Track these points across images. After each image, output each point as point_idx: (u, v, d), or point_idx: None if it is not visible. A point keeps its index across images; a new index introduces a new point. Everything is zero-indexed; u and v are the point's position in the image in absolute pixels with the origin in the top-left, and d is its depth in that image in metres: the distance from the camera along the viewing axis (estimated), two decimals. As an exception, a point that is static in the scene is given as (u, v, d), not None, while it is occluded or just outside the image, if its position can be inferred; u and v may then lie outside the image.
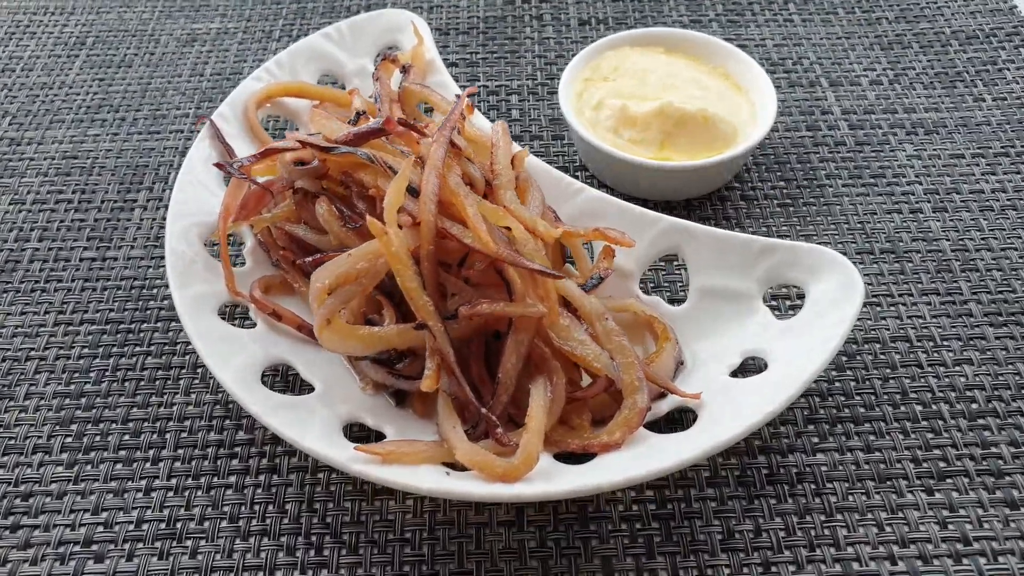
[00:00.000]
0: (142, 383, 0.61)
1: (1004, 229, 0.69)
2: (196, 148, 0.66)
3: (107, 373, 0.62)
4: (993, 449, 0.55)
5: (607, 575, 0.50)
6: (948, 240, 0.69)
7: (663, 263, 0.67)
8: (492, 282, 0.52)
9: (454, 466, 0.50)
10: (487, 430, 0.50)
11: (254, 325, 0.59)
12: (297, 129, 0.73)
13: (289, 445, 0.57)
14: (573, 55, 0.86)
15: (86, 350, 0.63)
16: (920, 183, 0.73)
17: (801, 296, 0.58)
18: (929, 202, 0.71)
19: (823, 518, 0.53)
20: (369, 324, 0.55)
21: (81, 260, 0.69)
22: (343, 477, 0.55)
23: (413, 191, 0.52)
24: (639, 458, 0.48)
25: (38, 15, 0.93)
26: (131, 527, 0.54)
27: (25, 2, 0.94)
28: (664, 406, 0.54)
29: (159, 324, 0.65)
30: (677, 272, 0.66)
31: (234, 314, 0.63)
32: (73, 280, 0.68)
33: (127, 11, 0.93)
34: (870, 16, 0.90)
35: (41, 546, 0.53)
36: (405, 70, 0.72)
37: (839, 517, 0.53)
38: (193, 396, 0.60)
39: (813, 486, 0.54)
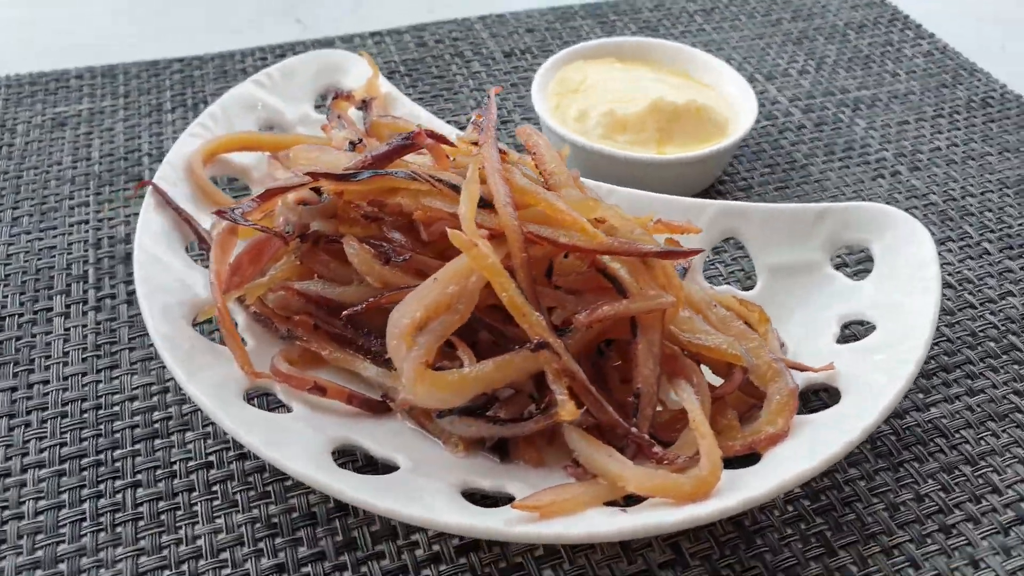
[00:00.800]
0: (142, 523, 0.48)
1: (973, 175, 0.74)
2: (144, 222, 0.55)
3: (86, 523, 0.48)
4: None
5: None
6: (935, 193, 0.72)
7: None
8: (592, 287, 0.47)
9: (614, 503, 0.43)
10: (637, 453, 0.44)
11: (289, 410, 0.48)
12: (249, 189, 0.64)
13: (380, 534, 0.46)
14: (511, 84, 0.84)
15: (42, 502, 0.49)
16: (887, 149, 0.77)
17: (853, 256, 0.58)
18: (903, 164, 0.76)
19: (971, 468, 0.51)
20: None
21: (-3, 393, 0.54)
22: (455, 566, 0.46)
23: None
24: (813, 443, 0.44)
25: None
26: None
27: None
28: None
29: (138, 446, 0.51)
30: (718, 263, 0.64)
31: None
32: (-7, 419, 0.53)
33: (-39, 103, 0.79)
34: (770, 18, 0.96)
35: None
36: (366, 105, 0.65)
37: (984, 463, 0.51)
38: (220, 520, 0.48)
39: (944, 439, 0.53)
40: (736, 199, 0.71)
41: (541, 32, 0.93)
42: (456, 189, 0.47)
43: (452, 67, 0.87)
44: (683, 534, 0.47)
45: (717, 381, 0.49)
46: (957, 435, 0.53)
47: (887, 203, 0.71)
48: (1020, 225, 0.69)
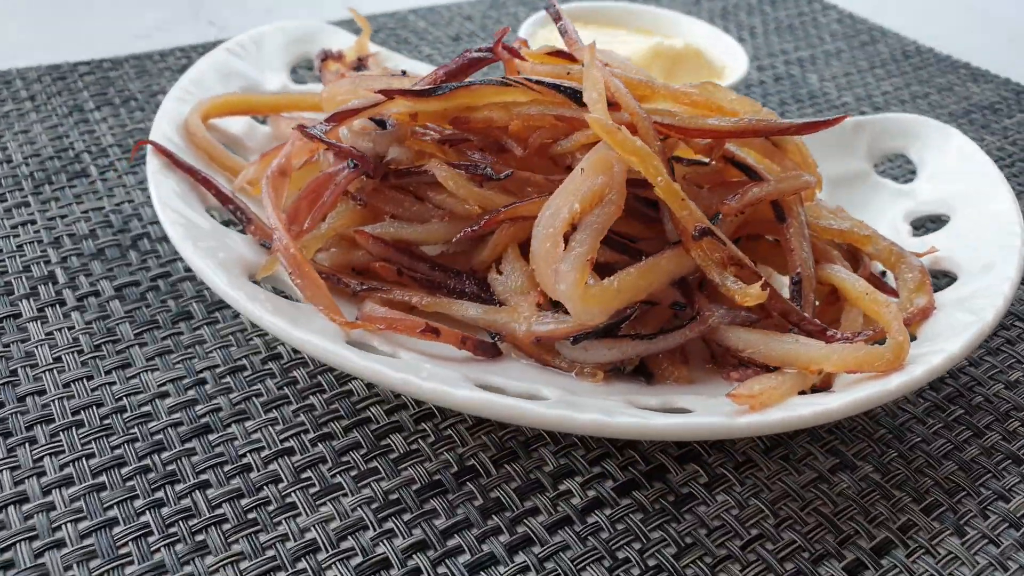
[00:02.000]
0: (227, 526, 0.38)
1: (927, 111, 0.80)
2: (156, 186, 0.46)
3: (154, 537, 0.37)
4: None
5: (959, 464, 0.43)
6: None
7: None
8: (714, 182, 0.44)
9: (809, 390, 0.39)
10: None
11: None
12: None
13: (524, 489, 0.40)
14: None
15: (85, 523, 0.38)
16: (846, 97, 0.81)
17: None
18: (866, 106, 0.80)
19: (1057, 343, 0.53)
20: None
21: (-25, 413, 0.42)
22: (622, 508, 0.40)
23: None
24: (964, 311, 0.43)
25: None
26: None
27: None
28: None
29: (190, 444, 0.42)
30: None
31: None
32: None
33: None
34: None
35: None
36: (362, 63, 0.60)
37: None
38: (328, 507, 0.39)
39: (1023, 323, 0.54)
40: (735, 145, 0.71)
41: (479, 19, 0.91)
42: (560, 89, 0.43)
43: (402, 51, 0.82)
44: (839, 438, 0.44)
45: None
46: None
47: (869, 137, 0.74)
48: (985, 146, 0.74)
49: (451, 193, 0.43)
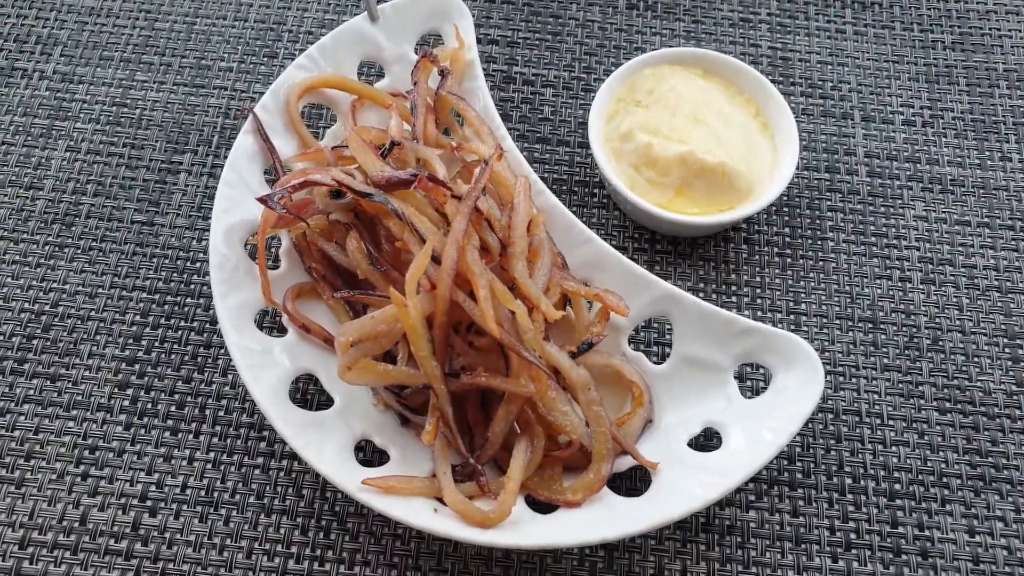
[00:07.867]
0: (186, 358, 0.73)
1: (982, 311, 0.76)
2: (240, 142, 0.72)
3: (156, 344, 0.73)
4: (900, 529, 0.67)
5: (556, 590, 0.65)
6: (926, 316, 0.76)
7: (656, 323, 0.75)
8: (495, 350, 0.62)
9: (443, 501, 0.62)
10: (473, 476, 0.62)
11: (286, 332, 0.69)
12: (334, 120, 0.79)
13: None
14: (615, 44, 0.89)
15: (138, 317, 0.74)
16: (918, 248, 0.79)
17: (765, 378, 0.67)
18: (920, 271, 0.78)
19: (740, 568, 0.66)
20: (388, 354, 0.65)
21: (132, 222, 0.79)
22: (352, 474, 0.68)
23: (435, 258, 0.61)
24: (594, 521, 0.60)
25: (84, -81, 0.94)
26: (177, 490, 0.68)
27: (70, -100, 0.95)
28: (625, 463, 0.65)
29: (201, 300, 0.75)
30: (667, 335, 0.75)
31: (267, 321, 0.73)
32: (126, 243, 0.78)
33: (174, -73, 0.95)
34: (926, 38, 0.90)
35: (107, 496, 0.67)
36: (443, 74, 0.76)
37: (753, 570, 0.66)
38: (230, 377, 0.72)
39: (739, 539, 0.67)
40: (737, 251, 0.78)
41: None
42: (423, 240, 0.61)
43: (572, 7, 0.91)
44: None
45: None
46: (751, 541, 0.65)
47: (870, 309, 0.76)
48: (976, 379, 0.73)
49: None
